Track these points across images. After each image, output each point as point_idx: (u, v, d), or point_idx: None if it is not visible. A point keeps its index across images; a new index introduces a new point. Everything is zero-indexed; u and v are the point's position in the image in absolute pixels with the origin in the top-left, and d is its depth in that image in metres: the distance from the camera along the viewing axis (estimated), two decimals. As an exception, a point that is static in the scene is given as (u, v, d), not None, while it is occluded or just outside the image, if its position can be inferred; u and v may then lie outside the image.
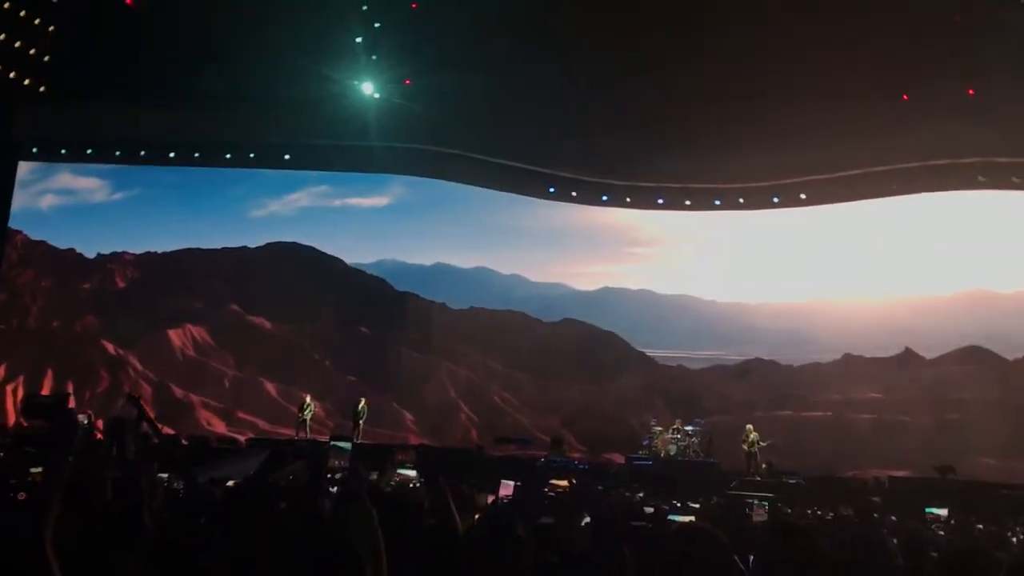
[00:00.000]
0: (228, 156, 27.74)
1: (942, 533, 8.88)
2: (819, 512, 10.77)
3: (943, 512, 9.58)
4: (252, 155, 27.71)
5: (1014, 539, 9.13)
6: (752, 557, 3.44)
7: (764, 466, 21.86)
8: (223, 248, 30.52)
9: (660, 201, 27.60)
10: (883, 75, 21.45)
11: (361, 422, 22.95)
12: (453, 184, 28.63)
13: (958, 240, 27.82)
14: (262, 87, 23.28)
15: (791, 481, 20.45)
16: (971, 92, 21.63)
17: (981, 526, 10.97)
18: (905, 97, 22.09)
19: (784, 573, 2.95)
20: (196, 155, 27.64)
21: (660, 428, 23.50)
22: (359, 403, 23.17)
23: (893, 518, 10.66)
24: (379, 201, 31.40)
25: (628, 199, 27.86)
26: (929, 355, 27.99)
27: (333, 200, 31.47)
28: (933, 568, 5.19)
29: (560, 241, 32.02)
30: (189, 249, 29.86)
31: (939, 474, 19.46)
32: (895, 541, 5.72)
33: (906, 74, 21.66)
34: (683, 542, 3.07)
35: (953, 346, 27.85)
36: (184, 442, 19.77)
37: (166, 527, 3.55)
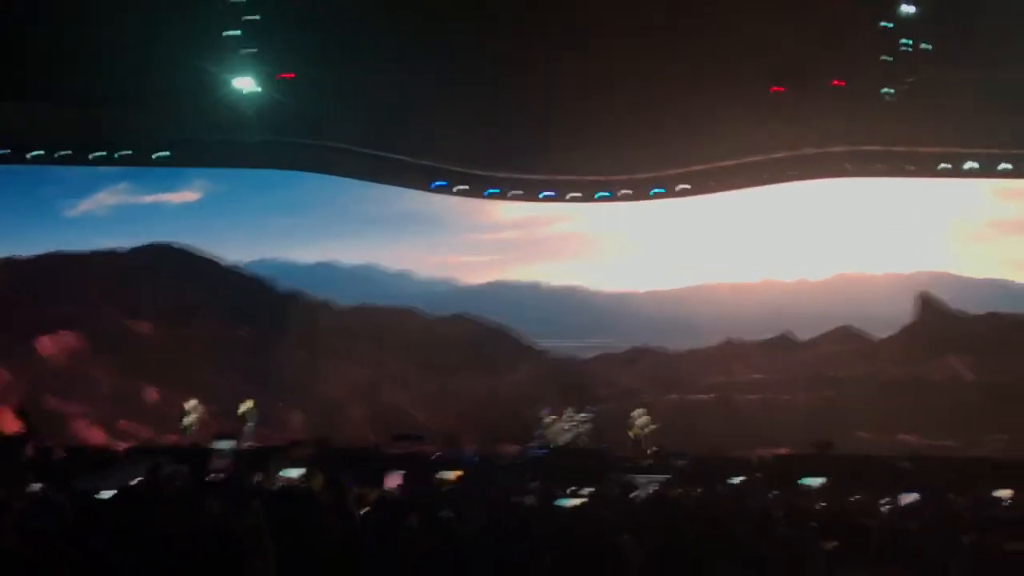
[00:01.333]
0: (96, 154, 26.48)
1: (820, 505, 9.28)
2: (703, 490, 11.11)
3: (818, 483, 10.07)
4: (127, 152, 26.52)
5: (883, 508, 9.59)
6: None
7: (653, 449, 22.37)
8: (93, 252, 29.21)
9: (547, 194, 27.84)
10: (755, 69, 22.15)
11: (249, 424, 22.31)
12: (333, 178, 28.20)
13: (829, 225, 29.22)
14: (132, 81, 22.29)
15: (679, 462, 21.00)
16: (839, 83, 22.57)
17: (854, 497, 11.53)
18: (777, 88, 22.88)
19: (664, 543, 3.00)
20: (57, 154, 26.23)
21: (553, 418, 23.77)
22: (245, 404, 22.49)
23: (775, 492, 11.07)
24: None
25: (515, 192, 28.00)
26: (805, 336, 29.28)
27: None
28: (811, 535, 5.42)
29: (447, 235, 32.02)
30: (57, 253, 28.45)
31: (817, 449, 20.30)
32: (780, 513, 5.92)
33: (776, 67, 22.44)
34: (571, 523, 3.11)
35: (827, 327, 29.22)
36: (64, 454, 18.78)
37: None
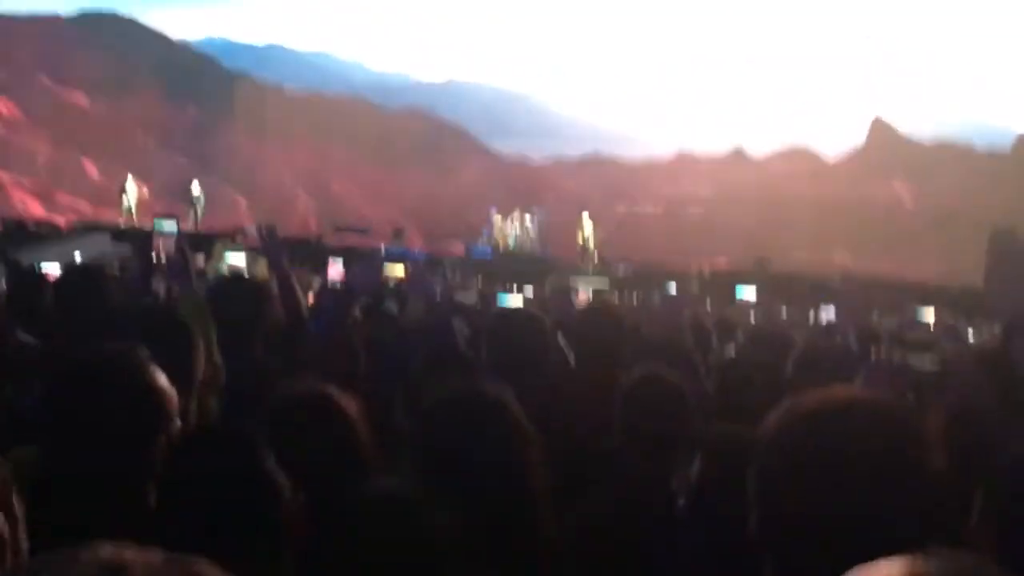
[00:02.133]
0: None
1: (751, 319, 9.64)
2: (641, 296, 11.47)
3: (751, 298, 10.41)
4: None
5: (811, 322, 10.02)
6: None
7: (597, 255, 22.80)
8: (29, 15, 27.58)
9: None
10: None
11: (198, 207, 22.02)
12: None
13: (791, 38, 28.69)
14: None
15: (622, 270, 21.50)
16: None
17: (786, 316, 12.01)
18: None
19: (594, 350, 3.14)
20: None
21: (499, 217, 23.94)
22: (192, 185, 22.06)
23: (708, 303, 11.45)
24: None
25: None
26: (757, 154, 29.49)
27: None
28: (739, 348, 5.69)
29: (405, 26, 30.80)
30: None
31: (756, 265, 20.91)
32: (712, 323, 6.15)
33: None
34: (505, 320, 3.21)
35: (779, 147, 29.42)
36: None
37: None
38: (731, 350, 5.44)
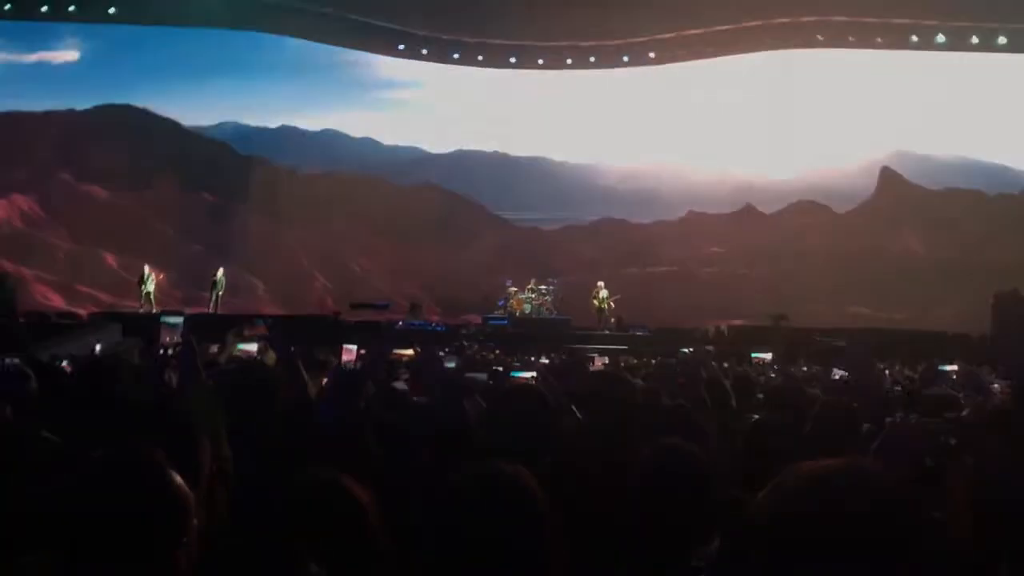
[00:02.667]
0: (44, 9, 25.32)
1: (771, 375, 9.60)
2: (660, 359, 11.42)
3: (767, 356, 10.42)
4: (72, 7, 25.38)
5: (836, 376, 9.93)
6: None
7: (613, 320, 22.82)
8: (47, 111, 28.30)
9: (512, 60, 27.27)
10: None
11: (219, 293, 22.36)
12: (296, 41, 27.38)
13: (795, 100, 29.11)
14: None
15: (638, 333, 21.50)
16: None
17: (805, 368, 11.93)
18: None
19: (610, 414, 3.14)
20: (7, 7, 25.09)
21: (515, 288, 24.10)
22: (216, 272, 22.46)
23: (726, 364, 11.41)
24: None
25: (480, 57, 27.40)
26: (768, 210, 29.55)
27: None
28: (758, 405, 5.65)
29: (414, 102, 31.44)
30: (8, 113, 27.49)
31: (773, 321, 20.84)
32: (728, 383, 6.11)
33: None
34: (506, 400, 3.22)
35: (790, 201, 29.47)
36: (21, 319, 18.65)
37: None
38: (750, 414, 5.40)
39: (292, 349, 3.37)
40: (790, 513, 1.26)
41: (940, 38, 25.66)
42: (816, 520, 1.24)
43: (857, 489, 1.26)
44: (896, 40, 26.10)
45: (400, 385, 5.34)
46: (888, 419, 2.96)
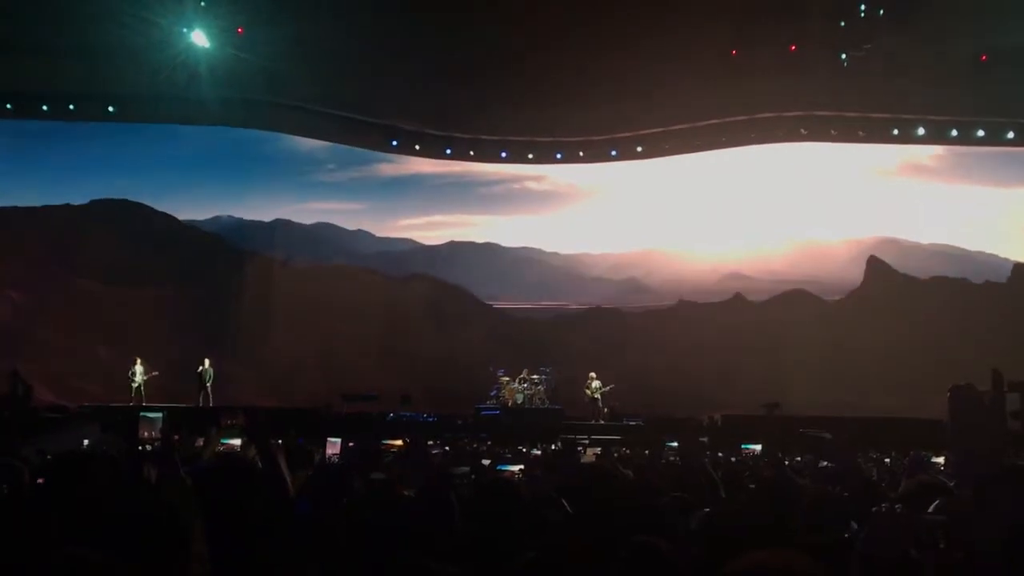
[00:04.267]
0: (45, 108, 25.87)
1: (760, 466, 9.54)
2: (652, 451, 11.35)
3: (757, 448, 10.42)
4: (72, 107, 25.91)
5: (823, 465, 9.92)
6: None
7: (606, 411, 22.71)
8: (44, 206, 28.60)
9: (503, 155, 27.79)
10: (712, 32, 22.19)
11: (208, 384, 22.32)
12: (289, 137, 27.96)
13: (781, 192, 29.67)
14: (78, 33, 21.70)
15: (631, 423, 21.41)
16: (793, 48, 22.72)
17: (799, 458, 11.85)
18: (734, 52, 22.97)
19: (594, 509, 3.12)
20: (8, 107, 25.61)
21: (507, 378, 24.03)
22: (202, 364, 22.45)
23: (720, 454, 11.34)
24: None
25: (471, 152, 27.92)
26: (757, 299, 29.74)
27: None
28: (748, 498, 5.61)
29: (404, 195, 31.90)
30: (3, 208, 27.79)
31: (766, 410, 20.77)
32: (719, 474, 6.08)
33: (734, 31, 22.51)
34: (488, 495, 3.21)
35: (779, 291, 29.70)
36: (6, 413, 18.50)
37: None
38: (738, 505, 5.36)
39: (274, 442, 3.36)
40: None
41: (920, 131, 26.30)
42: None
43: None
44: (877, 133, 26.72)
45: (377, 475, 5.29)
46: (874, 508, 2.95)
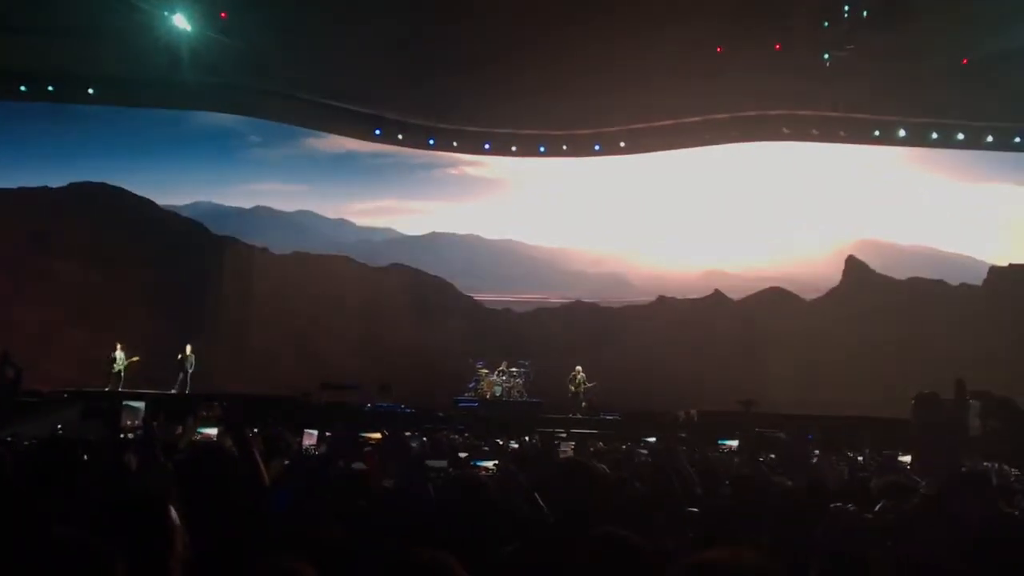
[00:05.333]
0: (23, 89, 25.61)
1: (736, 460, 9.65)
2: (628, 446, 11.43)
3: (734, 444, 10.53)
4: (51, 88, 25.67)
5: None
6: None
7: (584, 404, 22.84)
8: (20, 188, 28.27)
9: (486, 146, 27.82)
10: (698, 30, 22.26)
11: (189, 371, 22.29)
12: (272, 123, 27.84)
13: (762, 189, 29.85)
14: (58, 14, 21.47)
15: (609, 418, 21.53)
16: (778, 47, 22.83)
17: (772, 456, 11.96)
18: (719, 50, 23.05)
19: (569, 504, 3.17)
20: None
21: (486, 371, 24.10)
22: (184, 351, 22.37)
23: (696, 450, 11.42)
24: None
25: (455, 143, 27.92)
26: (736, 296, 29.90)
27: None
28: (723, 493, 5.71)
29: (387, 184, 31.79)
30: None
31: (743, 407, 20.93)
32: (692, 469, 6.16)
33: (719, 28, 22.59)
34: (476, 488, 3.26)
35: (758, 288, 29.89)
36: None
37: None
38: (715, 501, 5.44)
39: (249, 432, 3.38)
40: None
41: (901, 132, 26.55)
42: None
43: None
44: (859, 134, 26.96)
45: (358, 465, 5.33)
46: (831, 507, 3.03)
